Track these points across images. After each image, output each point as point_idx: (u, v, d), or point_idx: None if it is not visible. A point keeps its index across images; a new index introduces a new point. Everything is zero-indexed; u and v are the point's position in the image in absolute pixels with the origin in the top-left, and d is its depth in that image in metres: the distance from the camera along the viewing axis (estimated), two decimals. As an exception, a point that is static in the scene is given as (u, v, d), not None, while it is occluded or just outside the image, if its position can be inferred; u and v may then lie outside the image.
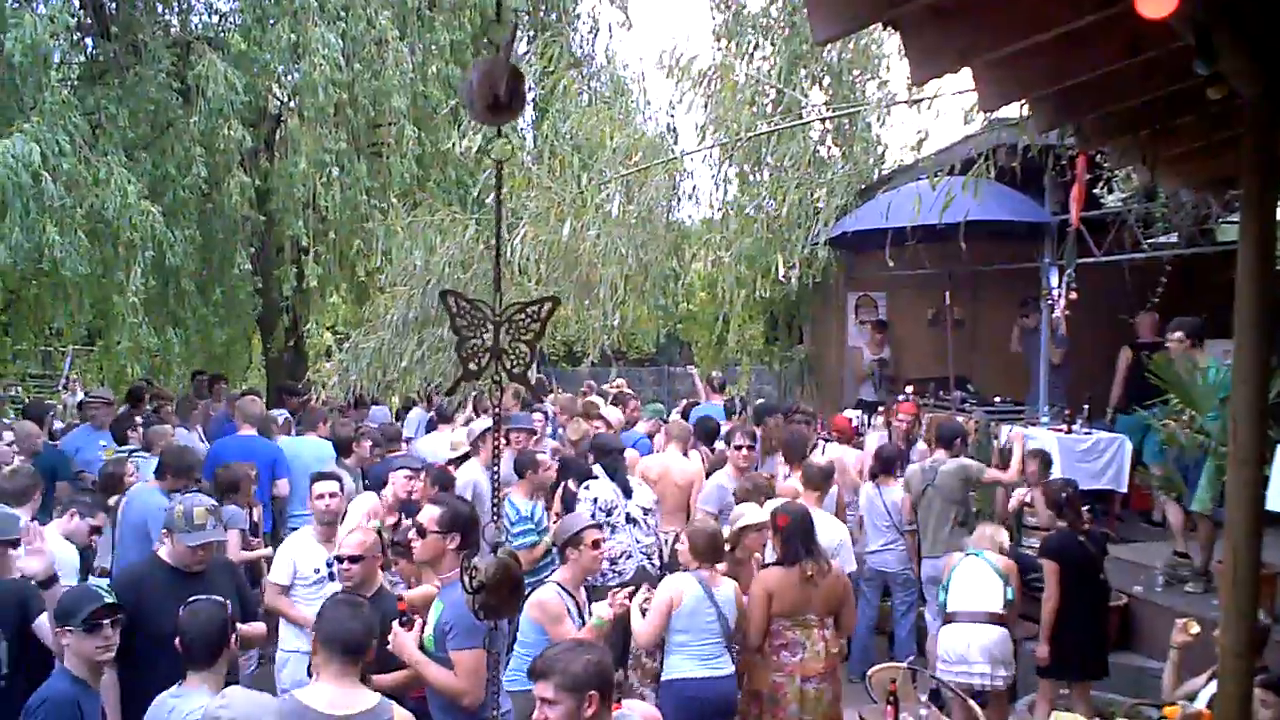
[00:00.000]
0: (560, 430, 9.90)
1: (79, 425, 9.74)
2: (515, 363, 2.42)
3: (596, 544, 5.33)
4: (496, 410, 2.56)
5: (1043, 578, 7.11)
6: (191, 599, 4.17)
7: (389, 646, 4.43)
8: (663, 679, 5.39)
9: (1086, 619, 6.36)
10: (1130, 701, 6.46)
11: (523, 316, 2.43)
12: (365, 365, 9.79)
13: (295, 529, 8.36)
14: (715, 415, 10.26)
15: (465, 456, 8.02)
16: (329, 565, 5.75)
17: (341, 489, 6.40)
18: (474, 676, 4.27)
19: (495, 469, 2.58)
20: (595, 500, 7.04)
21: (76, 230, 10.03)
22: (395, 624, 4.52)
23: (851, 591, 5.70)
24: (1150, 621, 7.35)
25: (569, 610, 5.07)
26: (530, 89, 12.89)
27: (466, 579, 2.53)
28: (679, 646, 5.34)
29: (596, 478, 7.29)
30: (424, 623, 4.61)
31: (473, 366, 2.41)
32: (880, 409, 10.80)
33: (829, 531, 6.37)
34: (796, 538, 5.55)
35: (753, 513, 5.93)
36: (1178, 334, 7.92)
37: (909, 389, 11.18)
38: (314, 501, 6.24)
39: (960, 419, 9.52)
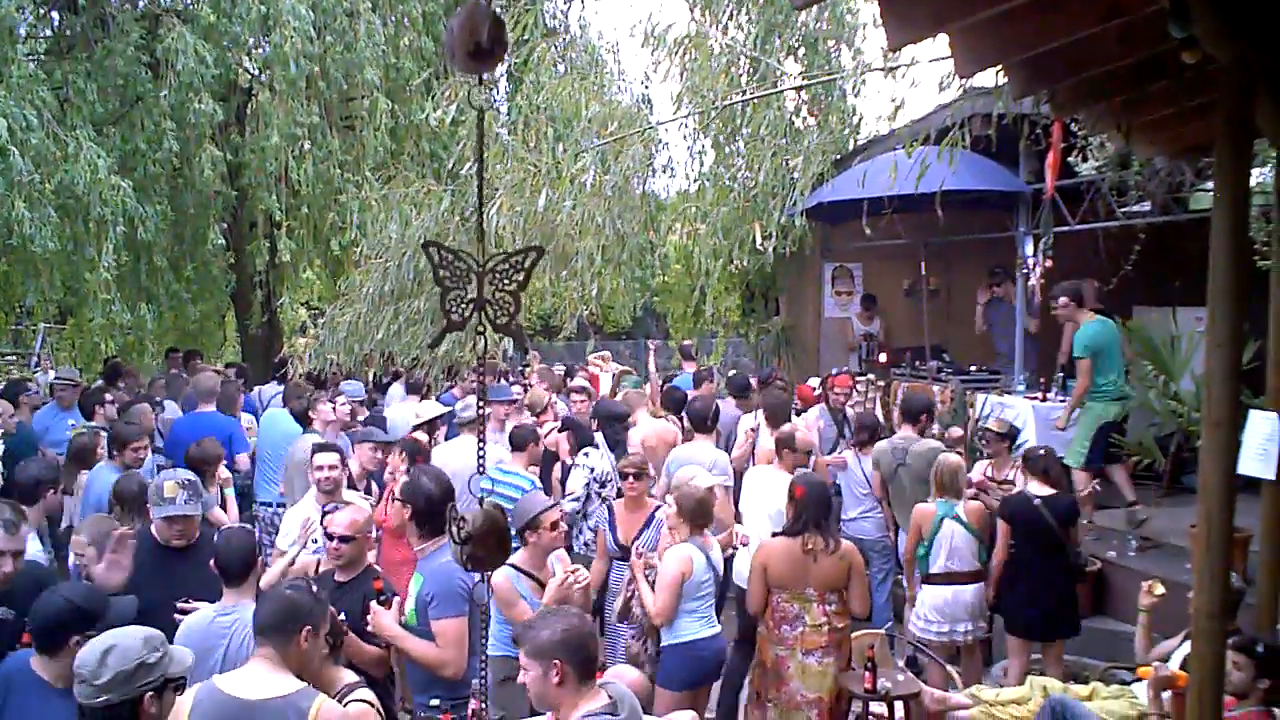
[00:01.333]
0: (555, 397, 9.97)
1: (46, 405, 9.63)
2: (499, 313, 2.40)
3: (554, 525, 5.18)
4: (482, 360, 2.55)
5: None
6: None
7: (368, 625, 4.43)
8: (672, 642, 5.39)
9: (1047, 580, 6.45)
10: (1104, 665, 6.55)
11: (506, 266, 2.41)
12: (341, 339, 9.73)
13: (267, 503, 8.40)
14: (683, 385, 10.24)
15: (429, 424, 8.05)
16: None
17: (343, 460, 6.46)
18: (456, 646, 4.27)
19: (480, 424, 2.58)
20: (591, 471, 7.08)
21: (46, 206, 9.93)
22: (374, 603, 4.50)
23: (862, 572, 5.63)
24: (1123, 586, 7.43)
25: (523, 593, 4.97)
26: (504, 58, 12.78)
27: (454, 529, 2.53)
28: (688, 612, 5.37)
29: (596, 446, 7.33)
30: (404, 599, 4.61)
31: (456, 317, 2.39)
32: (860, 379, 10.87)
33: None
34: (808, 510, 5.55)
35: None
36: (1061, 299, 8.41)
37: (882, 357, 11.25)
38: (313, 472, 6.26)
39: (936, 388, 9.56)
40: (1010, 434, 7.85)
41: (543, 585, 5.03)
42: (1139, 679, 5.17)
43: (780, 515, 6.22)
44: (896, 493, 7.70)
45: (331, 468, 6.21)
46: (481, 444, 2.60)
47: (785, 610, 5.51)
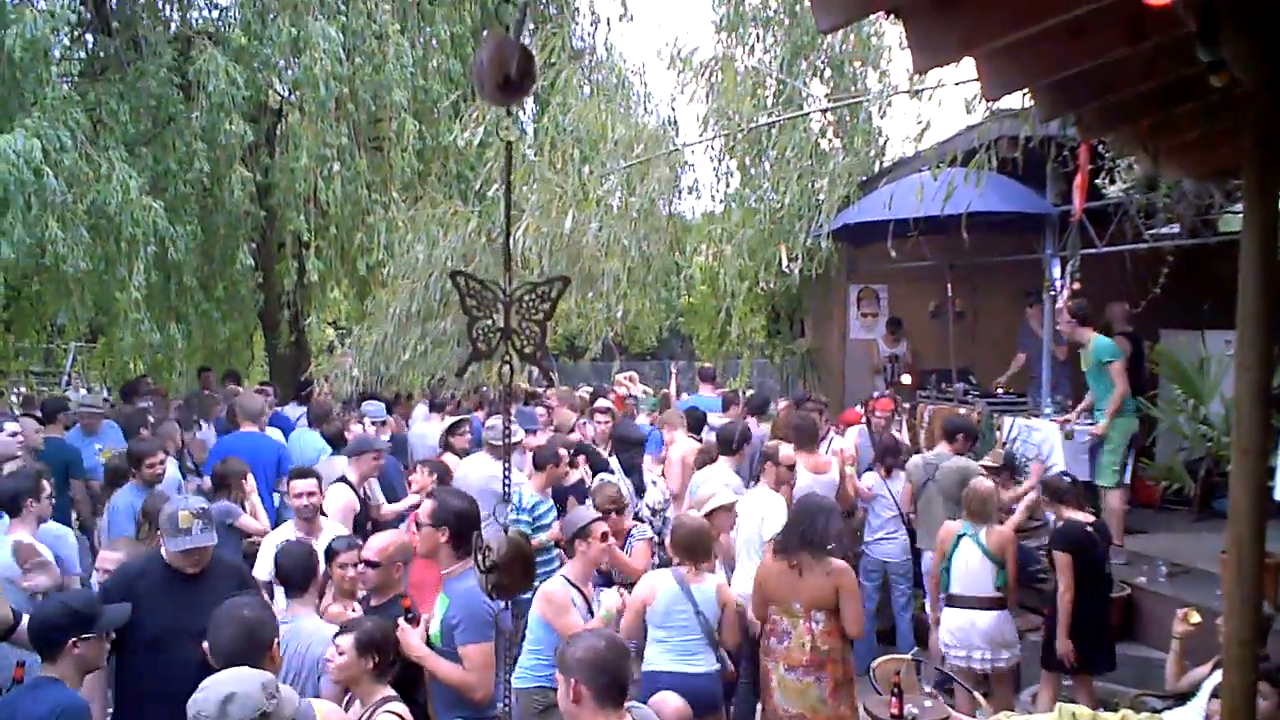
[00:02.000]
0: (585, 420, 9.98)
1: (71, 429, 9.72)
2: (525, 342, 2.41)
3: (605, 536, 5.40)
4: (507, 389, 2.56)
5: (1043, 570, 7.13)
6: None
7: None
8: (643, 669, 5.37)
9: (1092, 611, 6.35)
10: (1134, 692, 6.46)
11: (532, 296, 2.43)
12: (368, 359, 9.79)
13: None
14: (706, 406, 10.23)
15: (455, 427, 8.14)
16: None
17: (320, 486, 6.45)
18: (484, 670, 4.28)
19: (506, 453, 2.59)
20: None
21: (78, 226, 10.06)
22: (401, 620, 4.52)
23: (853, 592, 5.50)
24: (1154, 612, 7.35)
25: (574, 603, 5.08)
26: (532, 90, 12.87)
27: (479, 558, 2.54)
28: (657, 641, 5.37)
29: (612, 471, 7.33)
30: (429, 619, 4.62)
31: (483, 346, 2.41)
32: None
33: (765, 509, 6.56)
34: (794, 528, 5.54)
35: (722, 495, 6.09)
36: (1065, 315, 8.55)
37: (906, 379, 11.20)
38: (292, 499, 6.27)
39: (963, 411, 9.51)
40: (1007, 465, 7.85)
41: (586, 598, 5.09)
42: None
43: (763, 524, 6.38)
44: (924, 509, 7.67)
45: (310, 494, 6.21)
46: (507, 473, 2.62)
47: (775, 623, 5.49)
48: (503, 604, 2.70)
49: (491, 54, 2.18)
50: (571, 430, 9.46)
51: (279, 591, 5.29)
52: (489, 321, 2.40)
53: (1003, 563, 6.43)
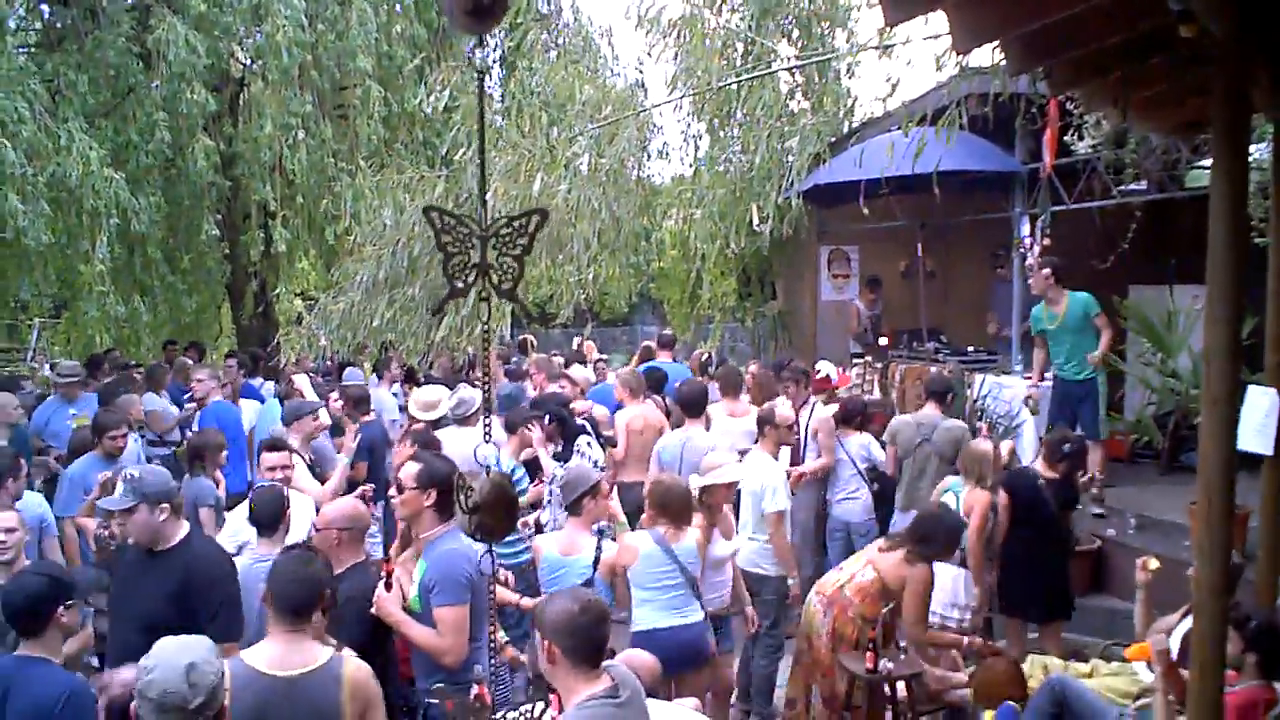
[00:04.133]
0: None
1: (49, 397, 9.62)
2: (504, 278, 2.37)
3: (605, 494, 5.79)
4: (485, 325, 2.52)
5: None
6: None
7: (372, 610, 4.43)
8: (633, 630, 5.39)
9: (1042, 561, 6.43)
10: (1105, 643, 6.56)
11: (509, 230, 2.38)
12: (335, 328, 9.71)
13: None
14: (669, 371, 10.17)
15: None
16: None
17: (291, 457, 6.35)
18: (457, 634, 4.26)
19: (485, 386, 2.57)
20: (594, 461, 7.13)
21: (39, 199, 9.90)
22: (380, 585, 4.50)
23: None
24: (1122, 564, 7.43)
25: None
26: (498, 45, 12.76)
27: (462, 498, 2.53)
28: (644, 601, 5.39)
29: (589, 434, 7.34)
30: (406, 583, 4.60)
31: (459, 283, 2.36)
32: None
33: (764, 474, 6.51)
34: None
35: (729, 470, 5.91)
36: (1045, 270, 8.46)
37: (883, 340, 11.22)
38: (264, 471, 6.15)
39: (934, 369, 9.54)
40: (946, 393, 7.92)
41: None
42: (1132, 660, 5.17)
43: (763, 494, 6.35)
44: (916, 470, 7.61)
45: (284, 467, 6.10)
46: (488, 426, 2.60)
47: None
48: (483, 562, 2.67)
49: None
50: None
51: (252, 532, 5.31)
52: (465, 256, 2.35)
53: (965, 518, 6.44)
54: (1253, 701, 4.14)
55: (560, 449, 7.26)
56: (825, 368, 9.18)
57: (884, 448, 7.93)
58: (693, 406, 7.73)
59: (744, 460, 6.73)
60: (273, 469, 6.09)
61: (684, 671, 5.24)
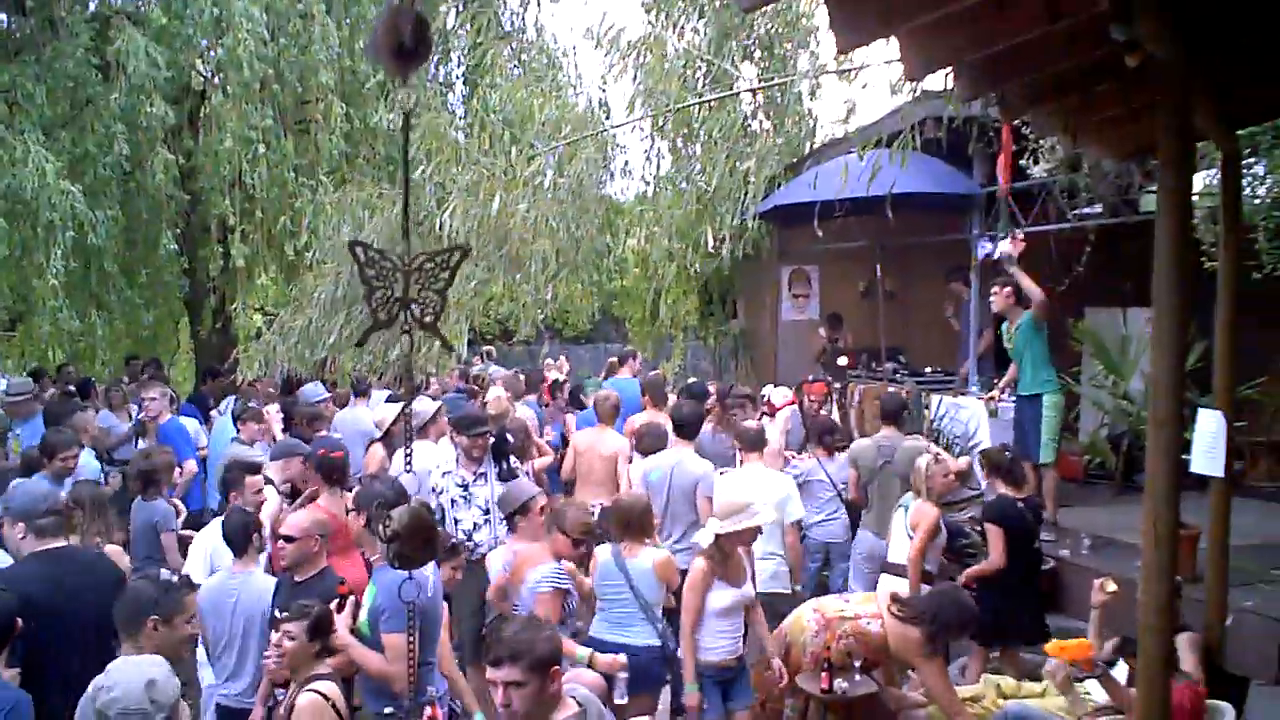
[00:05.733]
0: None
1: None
2: (426, 311, 2.43)
3: (541, 510, 5.62)
4: (408, 357, 2.57)
5: (971, 545, 7.23)
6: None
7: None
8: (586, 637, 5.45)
9: (1023, 585, 6.46)
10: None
11: (432, 265, 2.44)
12: (293, 344, 9.64)
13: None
14: (625, 390, 10.10)
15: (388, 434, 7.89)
16: None
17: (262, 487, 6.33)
18: (402, 661, 4.24)
19: (407, 419, 2.58)
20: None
21: (-7, 211, 9.77)
22: (332, 606, 4.47)
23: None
24: (1077, 584, 7.50)
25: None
26: (460, 62, 12.76)
27: (380, 528, 2.54)
28: (598, 611, 5.47)
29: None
30: (358, 606, 4.57)
31: (382, 315, 2.42)
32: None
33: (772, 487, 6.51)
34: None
35: (759, 511, 5.42)
36: (1006, 289, 8.46)
37: (843, 361, 11.26)
38: (249, 494, 6.09)
39: (892, 389, 9.60)
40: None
41: None
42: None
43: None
44: (882, 492, 7.57)
45: (255, 492, 6.12)
46: (409, 447, 2.63)
47: None
48: (407, 575, 2.68)
49: (386, 22, 2.15)
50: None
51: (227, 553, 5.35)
52: (388, 290, 2.40)
53: (913, 531, 6.47)
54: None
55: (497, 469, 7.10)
56: (770, 393, 9.22)
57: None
58: (687, 427, 7.56)
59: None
60: (259, 491, 6.15)
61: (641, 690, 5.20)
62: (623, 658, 5.02)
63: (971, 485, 8.04)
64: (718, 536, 5.24)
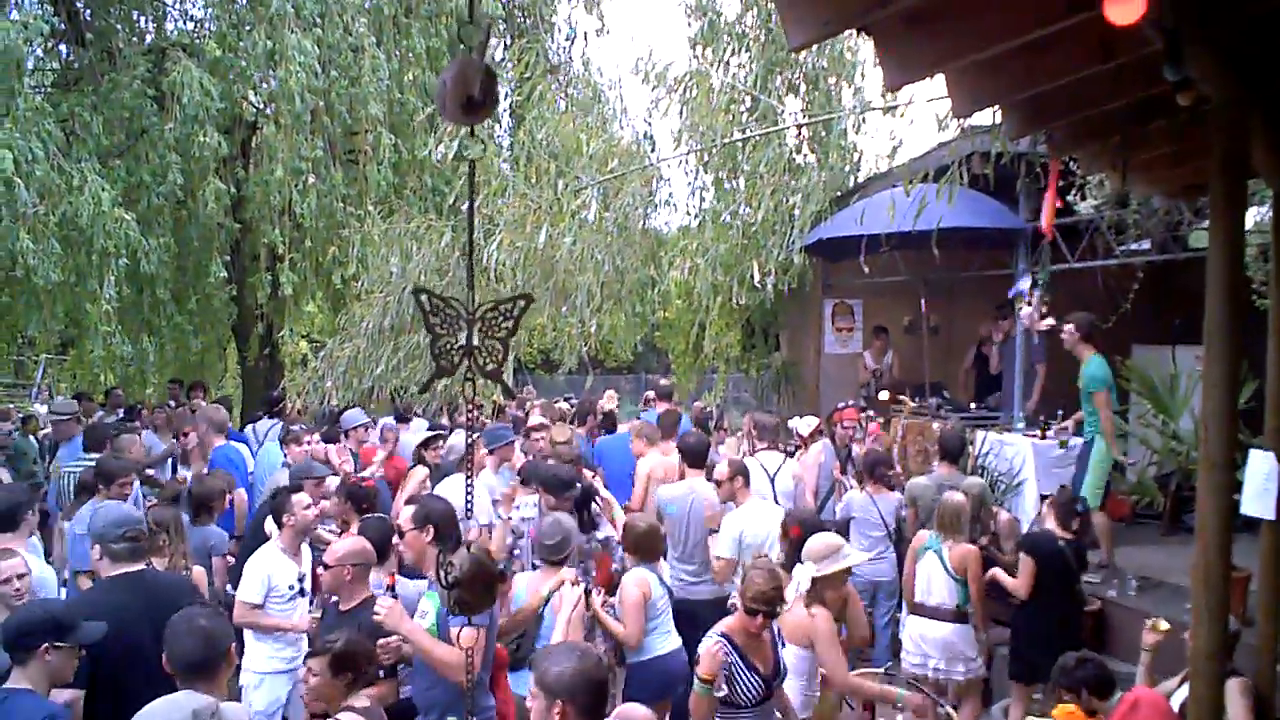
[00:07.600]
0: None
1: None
2: (489, 359, 2.43)
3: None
4: (472, 405, 2.57)
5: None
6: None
7: (377, 618, 4.39)
8: (642, 659, 5.48)
9: (1060, 625, 6.36)
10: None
11: (496, 314, 2.45)
12: (341, 373, 9.74)
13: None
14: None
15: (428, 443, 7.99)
16: (299, 580, 5.73)
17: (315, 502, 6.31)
18: (476, 652, 4.23)
19: (469, 470, 2.59)
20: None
21: (50, 238, 9.99)
22: (384, 597, 4.53)
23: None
24: (1123, 624, 7.38)
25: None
26: (506, 95, 12.92)
27: (441, 574, 2.54)
28: (654, 630, 5.52)
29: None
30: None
31: (446, 363, 2.42)
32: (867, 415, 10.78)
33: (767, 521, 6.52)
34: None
35: (849, 554, 5.26)
36: (1069, 326, 8.10)
37: (883, 395, 11.19)
38: (299, 512, 6.09)
39: (936, 425, 9.53)
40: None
41: None
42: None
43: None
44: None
45: (305, 508, 6.04)
46: (470, 489, 2.62)
47: None
48: (465, 621, 2.68)
49: (454, 74, 2.18)
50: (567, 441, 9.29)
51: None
52: (452, 339, 2.42)
53: (964, 580, 6.36)
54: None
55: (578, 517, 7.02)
56: (796, 424, 9.18)
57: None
58: (695, 457, 7.59)
59: (749, 511, 6.77)
60: (308, 508, 6.08)
61: (673, 696, 5.44)
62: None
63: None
64: (814, 580, 5.01)
